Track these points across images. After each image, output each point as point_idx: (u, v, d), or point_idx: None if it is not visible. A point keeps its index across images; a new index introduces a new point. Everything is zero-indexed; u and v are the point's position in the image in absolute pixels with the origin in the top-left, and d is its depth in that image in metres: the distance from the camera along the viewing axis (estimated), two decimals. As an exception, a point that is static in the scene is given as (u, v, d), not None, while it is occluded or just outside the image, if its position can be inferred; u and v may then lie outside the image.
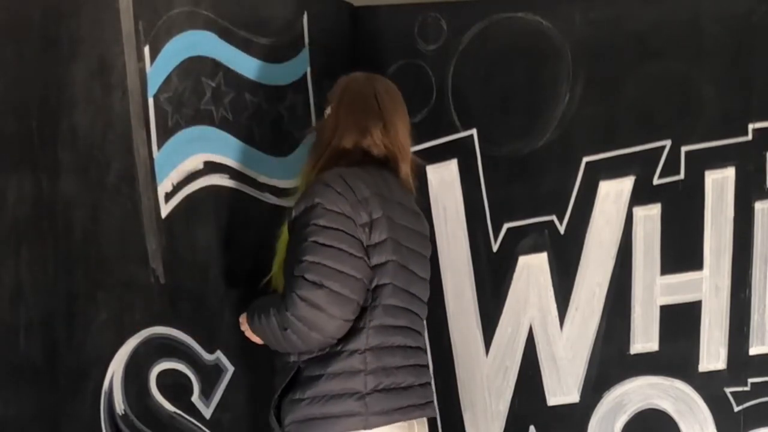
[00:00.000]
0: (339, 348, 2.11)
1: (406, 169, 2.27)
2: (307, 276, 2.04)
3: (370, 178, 2.16)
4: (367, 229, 2.11)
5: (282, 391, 2.16)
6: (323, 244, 2.06)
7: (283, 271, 2.18)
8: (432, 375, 2.40)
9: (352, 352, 2.10)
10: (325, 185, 2.10)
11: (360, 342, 2.11)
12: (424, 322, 2.36)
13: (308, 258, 2.05)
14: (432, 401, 2.29)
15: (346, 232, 2.08)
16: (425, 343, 2.35)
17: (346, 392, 2.09)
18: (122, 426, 2.20)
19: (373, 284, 2.13)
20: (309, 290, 2.03)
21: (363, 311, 2.12)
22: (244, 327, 2.26)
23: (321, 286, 2.04)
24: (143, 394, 2.26)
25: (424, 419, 2.25)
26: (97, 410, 2.15)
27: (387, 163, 2.24)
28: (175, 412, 2.34)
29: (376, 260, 2.13)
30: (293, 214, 2.13)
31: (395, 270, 2.16)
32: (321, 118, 2.31)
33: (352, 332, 2.11)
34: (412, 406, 2.17)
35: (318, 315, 2.04)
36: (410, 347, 2.22)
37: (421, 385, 2.23)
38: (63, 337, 2.04)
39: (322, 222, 2.07)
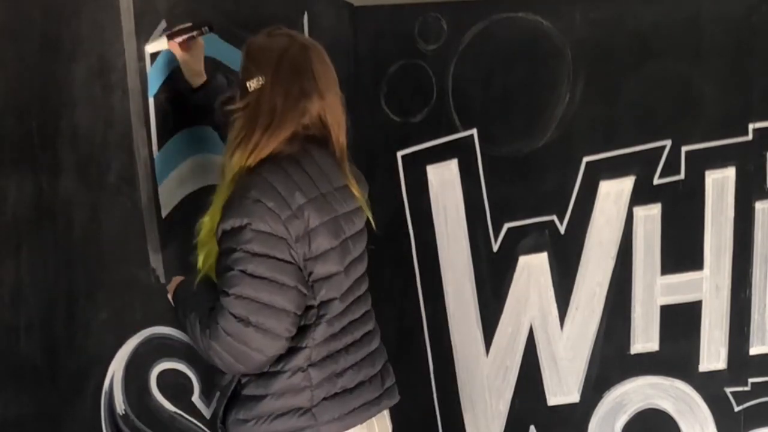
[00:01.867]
0: (279, 368, 1.97)
1: (342, 142, 2.05)
2: (232, 311, 1.87)
3: (305, 177, 1.97)
4: (304, 242, 1.93)
5: (226, 409, 2.05)
6: (252, 275, 1.87)
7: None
8: (384, 349, 2.20)
9: (295, 371, 1.97)
10: (254, 201, 1.89)
11: (301, 360, 1.97)
12: (368, 292, 2.15)
13: (235, 291, 1.87)
14: (390, 387, 2.14)
15: (277, 258, 1.89)
16: (370, 316, 2.14)
17: (291, 409, 1.97)
18: (123, 426, 2.20)
19: (318, 300, 1.97)
20: (235, 326, 1.87)
21: (305, 329, 1.97)
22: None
23: (248, 323, 1.87)
24: (144, 394, 2.26)
25: (384, 413, 2.11)
26: (98, 410, 2.15)
27: (321, 139, 2.03)
28: (175, 412, 2.34)
29: (318, 272, 1.96)
30: (220, 228, 1.92)
31: (340, 281, 2.00)
32: (244, 92, 2.00)
33: (293, 351, 1.97)
34: (366, 404, 2.04)
35: (243, 350, 1.89)
36: (356, 341, 2.07)
37: (372, 377, 2.09)
38: (63, 337, 2.04)
39: (250, 247, 1.87)
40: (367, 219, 2.14)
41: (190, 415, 2.38)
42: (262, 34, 2.06)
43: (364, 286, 2.13)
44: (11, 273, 1.90)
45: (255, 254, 1.88)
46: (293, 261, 1.92)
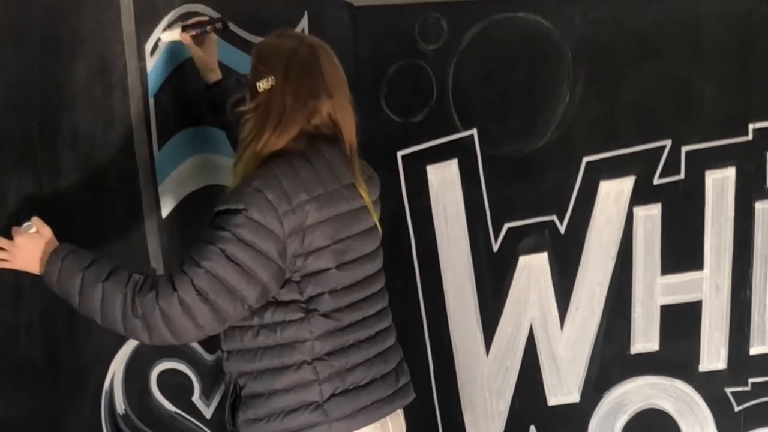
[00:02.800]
0: (280, 363, 1.97)
1: (352, 141, 2.06)
2: (197, 283, 1.85)
3: (313, 173, 1.97)
4: (297, 237, 1.92)
5: (233, 409, 2.03)
6: (228, 257, 1.86)
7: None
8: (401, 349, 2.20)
9: (300, 365, 1.96)
10: (256, 190, 1.90)
11: (305, 353, 1.96)
12: (385, 290, 2.17)
13: (206, 265, 1.85)
14: (404, 385, 2.13)
15: (260, 251, 1.88)
16: (386, 314, 2.15)
17: (302, 404, 1.97)
18: (123, 426, 2.20)
19: (306, 295, 1.97)
20: (193, 298, 1.85)
21: (294, 324, 1.96)
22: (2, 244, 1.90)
23: (206, 299, 1.86)
24: (144, 394, 2.26)
25: (398, 412, 2.11)
26: (98, 410, 2.15)
27: (331, 138, 2.04)
28: (175, 412, 2.34)
29: (309, 268, 1.96)
30: (215, 210, 1.93)
31: (336, 277, 1.99)
32: (254, 93, 2.02)
33: (295, 345, 1.97)
34: (378, 401, 2.04)
35: (187, 323, 1.86)
36: (369, 337, 2.07)
37: (385, 375, 2.09)
38: (63, 337, 2.04)
39: (239, 232, 1.87)
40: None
41: (190, 415, 2.38)
42: (271, 35, 2.08)
43: (378, 284, 2.12)
44: (11, 273, 1.90)
45: (240, 239, 1.87)
46: (274, 259, 1.91)
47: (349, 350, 2.01)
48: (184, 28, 2.28)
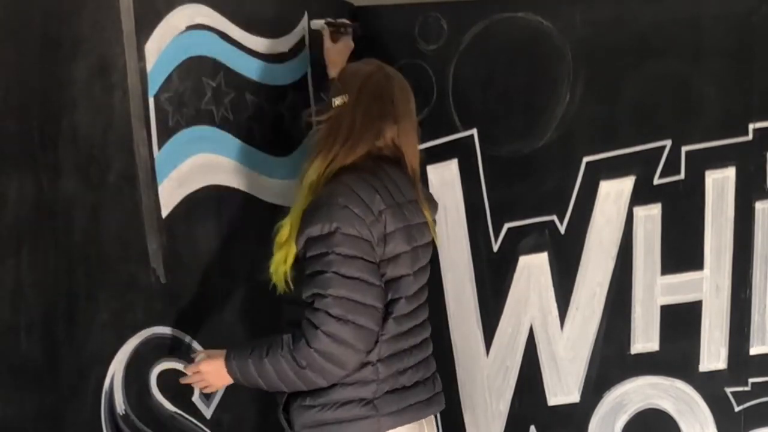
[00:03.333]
0: None
1: (415, 166, 2.23)
2: (331, 311, 2.00)
3: (382, 187, 2.12)
4: (381, 244, 2.08)
5: (290, 395, 2.14)
6: (345, 276, 2.01)
7: (294, 287, 2.11)
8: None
9: (365, 364, 2.09)
10: (342, 207, 2.04)
11: (372, 355, 2.09)
12: (426, 300, 2.30)
13: (332, 292, 2.00)
14: (439, 392, 2.29)
15: (365, 260, 2.04)
16: (428, 323, 2.29)
17: (356, 399, 2.10)
18: (123, 426, 2.20)
19: (387, 298, 2.11)
20: (335, 326, 1.99)
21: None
22: (198, 378, 2.18)
23: (346, 321, 2.00)
24: (144, 394, 2.26)
25: (432, 417, 2.27)
26: (98, 410, 2.15)
27: (395, 161, 2.21)
28: (175, 412, 2.34)
29: (390, 274, 2.11)
30: (305, 234, 2.05)
31: (409, 283, 2.15)
32: (329, 107, 2.20)
33: None
34: (419, 403, 2.18)
35: (344, 351, 2.01)
36: (417, 344, 2.21)
37: (425, 379, 2.24)
38: (63, 337, 2.04)
39: (342, 250, 2.02)
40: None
41: (190, 415, 2.38)
42: (358, 62, 2.33)
43: (425, 295, 2.27)
44: (11, 273, 1.90)
45: (346, 256, 2.02)
46: (376, 262, 2.06)
47: (404, 354, 2.16)
48: (329, 24, 2.63)
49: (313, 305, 2.02)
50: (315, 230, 2.04)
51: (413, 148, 2.22)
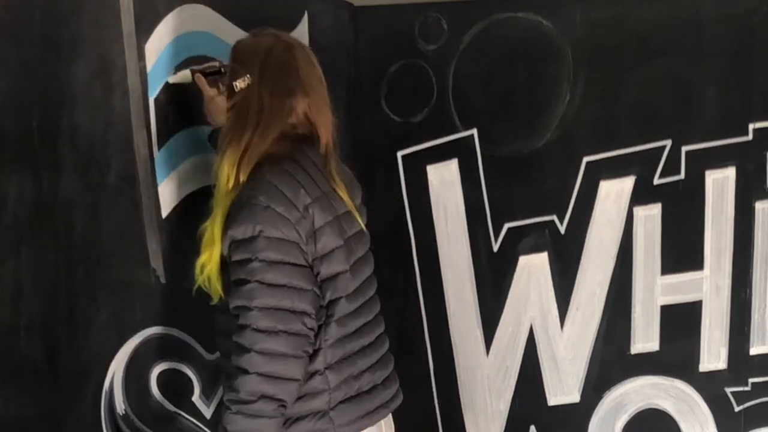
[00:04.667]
0: None
1: (329, 141, 2.03)
2: (259, 325, 1.85)
3: (306, 177, 1.96)
4: (311, 242, 1.93)
5: None
6: (270, 284, 1.86)
7: (223, 294, 1.96)
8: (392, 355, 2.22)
9: (312, 374, 1.95)
10: (264, 207, 1.88)
11: (318, 363, 1.95)
12: (377, 294, 2.16)
13: (258, 303, 1.85)
14: (397, 390, 2.15)
15: (292, 263, 1.89)
16: (381, 318, 2.15)
17: (311, 412, 1.96)
18: (123, 426, 2.21)
19: (325, 300, 1.96)
20: (266, 341, 1.85)
21: (317, 331, 1.96)
22: None
23: (278, 333, 1.86)
24: (144, 393, 2.27)
25: (389, 415, 2.13)
26: (98, 410, 2.15)
27: (310, 138, 2.02)
28: (175, 412, 2.34)
29: (325, 272, 1.96)
30: (229, 236, 1.90)
31: (346, 280, 1.99)
32: (231, 92, 2.00)
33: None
34: (379, 407, 2.07)
35: (285, 363, 1.87)
36: (372, 343, 2.08)
37: (385, 379, 2.11)
38: (63, 337, 2.04)
39: (266, 255, 1.86)
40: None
41: (190, 415, 2.38)
42: (248, 35, 2.08)
43: (373, 288, 2.13)
44: (11, 273, 1.90)
45: (272, 262, 1.87)
46: (306, 264, 1.92)
47: (356, 357, 2.02)
48: (202, 72, 2.24)
49: (238, 321, 1.88)
50: (238, 233, 1.89)
51: (326, 119, 2.03)
